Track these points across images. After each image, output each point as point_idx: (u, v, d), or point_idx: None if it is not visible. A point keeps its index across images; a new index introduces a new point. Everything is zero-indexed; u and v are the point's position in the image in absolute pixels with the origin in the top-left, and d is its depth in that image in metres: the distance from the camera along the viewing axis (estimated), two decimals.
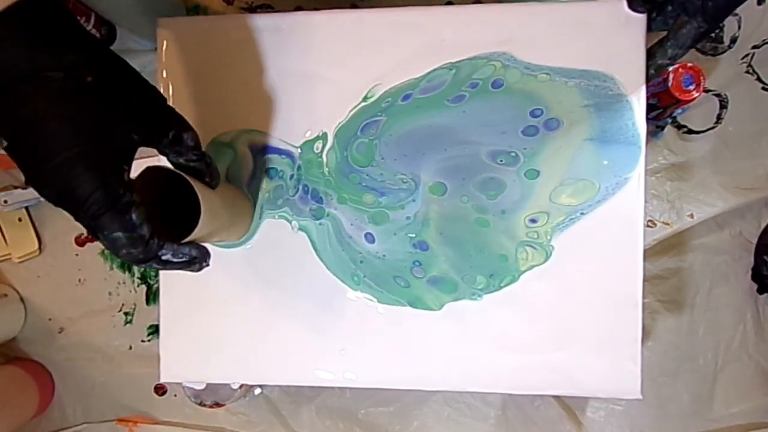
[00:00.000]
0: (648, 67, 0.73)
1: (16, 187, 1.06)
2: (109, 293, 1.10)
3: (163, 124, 0.58)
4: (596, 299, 0.75)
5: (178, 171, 0.61)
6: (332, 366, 0.80)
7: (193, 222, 0.60)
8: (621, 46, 0.73)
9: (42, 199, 1.02)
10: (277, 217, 0.80)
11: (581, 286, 0.75)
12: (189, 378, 0.85)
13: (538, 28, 0.75)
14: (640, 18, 0.73)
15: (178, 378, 0.84)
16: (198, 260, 0.62)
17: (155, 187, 0.60)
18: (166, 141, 0.58)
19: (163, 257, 0.57)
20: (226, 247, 0.80)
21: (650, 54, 0.72)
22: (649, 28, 0.73)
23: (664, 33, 0.69)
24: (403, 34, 0.78)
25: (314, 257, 0.80)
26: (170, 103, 0.79)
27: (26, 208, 1.09)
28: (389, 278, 0.78)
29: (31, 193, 1.05)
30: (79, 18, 0.90)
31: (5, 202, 1.05)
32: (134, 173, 0.56)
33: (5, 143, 0.51)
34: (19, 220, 1.09)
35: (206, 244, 0.64)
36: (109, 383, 1.11)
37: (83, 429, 1.11)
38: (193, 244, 0.61)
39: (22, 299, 1.11)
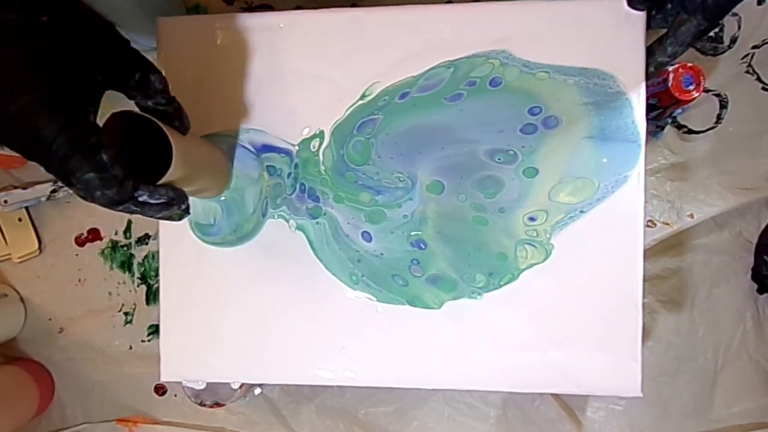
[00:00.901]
0: (648, 65, 0.73)
1: (16, 187, 1.06)
2: (109, 293, 1.10)
3: (128, 66, 0.57)
4: (597, 297, 0.75)
5: (146, 115, 0.60)
6: (332, 365, 0.80)
7: (165, 165, 0.59)
8: (620, 43, 0.74)
9: (42, 199, 1.03)
10: (276, 216, 0.80)
11: (581, 284, 0.75)
12: (189, 377, 0.85)
13: (537, 25, 0.75)
14: (640, 15, 0.73)
15: (179, 377, 0.84)
16: (176, 202, 0.61)
17: (124, 131, 0.59)
18: (133, 83, 0.57)
19: (140, 198, 0.57)
20: (223, 245, 0.81)
21: (650, 52, 0.72)
22: (649, 26, 0.73)
23: (664, 31, 0.69)
24: (402, 32, 0.78)
25: (312, 256, 0.80)
26: None
27: (26, 208, 1.09)
28: (387, 277, 0.78)
29: (31, 193, 1.05)
30: None
31: (5, 202, 1.05)
32: None
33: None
34: (19, 220, 1.09)
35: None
36: (109, 383, 1.11)
37: (83, 429, 1.11)
38: (169, 185, 0.60)
39: (22, 299, 1.11)
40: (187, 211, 0.64)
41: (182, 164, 0.61)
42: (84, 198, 0.53)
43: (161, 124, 0.59)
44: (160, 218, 0.62)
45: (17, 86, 0.48)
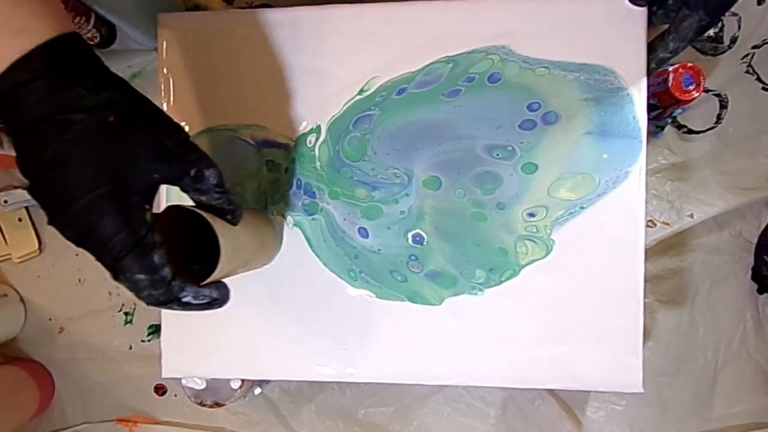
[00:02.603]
0: (649, 61, 0.73)
1: (16, 187, 1.06)
2: (109, 293, 1.10)
3: (184, 162, 0.57)
4: (598, 293, 0.75)
5: (198, 210, 0.61)
6: (333, 361, 0.80)
7: (214, 262, 0.60)
8: (622, 39, 0.74)
9: None
10: (275, 213, 0.81)
11: (583, 280, 0.75)
12: (191, 373, 0.86)
13: (538, 21, 0.75)
14: (641, 11, 0.73)
15: (180, 374, 0.84)
16: (219, 302, 0.61)
17: (176, 225, 0.60)
18: (188, 179, 0.57)
19: (184, 299, 0.57)
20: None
21: (651, 48, 0.72)
22: (650, 22, 0.73)
23: (665, 26, 0.69)
24: (402, 28, 0.78)
25: (310, 253, 0.80)
26: (171, 99, 0.82)
27: (26, 208, 1.09)
28: (386, 273, 0.79)
29: None
30: (79, 18, 0.90)
31: (5, 202, 1.05)
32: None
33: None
34: (19, 220, 1.09)
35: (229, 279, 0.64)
36: (109, 383, 1.10)
37: (83, 429, 1.10)
38: (214, 284, 0.60)
39: (22, 299, 1.11)
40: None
41: (230, 260, 0.62)
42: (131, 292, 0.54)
43: (212, 221, 0.60)
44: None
45: (79, 186, 0.50)
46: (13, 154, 0.91)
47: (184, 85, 0.82)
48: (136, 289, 0.53)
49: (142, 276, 0.52)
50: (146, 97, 0.56)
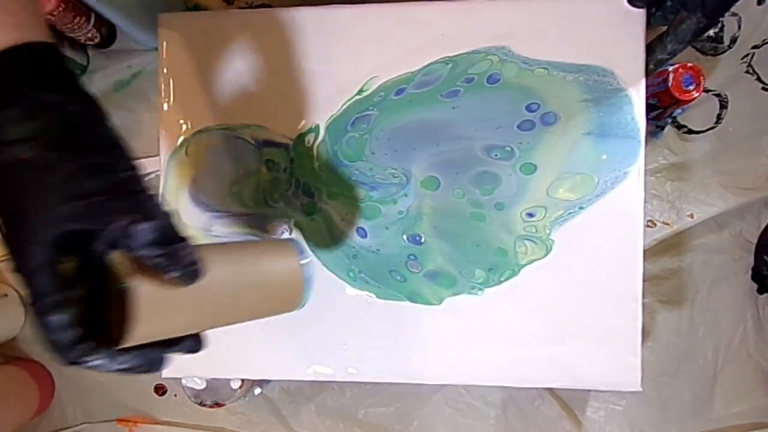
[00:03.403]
0: (648, 62, 0.73)
1: None
2: None
3: (106, 213, 0.47)
4: (597, 293, 0.76)
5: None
6: (334, 360, 0.80)
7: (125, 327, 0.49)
8: (621, 41, 0.74)
9: None
10: (273, 215, 0.81)
11: (582, 280, 0.76)
12: (191, 373, 0.86)
13: (537, 22, 0.76)
14: (640, 13, 0.73)
15: (180, 373, 0.85)
16: (143, 368, 0.51)
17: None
18: (109, 232, 0.47)
19: (91, 363, 0.48)
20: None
21: (650, 49, 0.73)
22: (649, 23, 0.73)
23: (664, 28, 0.69)
24: (403, 29, 0.78)
25: (309, 253, 0.80)
26: (171, 99, 0.82)
27: None
28: (385, 273, 0.79)
29: None
30: (79, 18, 0.90)
31: None
32: None
33: None
34: None
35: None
36: (109, 383, 1.10)
37: (83, 429, 1.10)
38: (135, 351, 0.50)
39: (22, 299, 1.11)
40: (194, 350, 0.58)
41: (158, 320, 0.52)
42: None
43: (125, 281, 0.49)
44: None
45: None
46: None
47: (184, 84, 0.82)
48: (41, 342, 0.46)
49: (41, 333, 0.46)
50: (98, 123, 0.49)
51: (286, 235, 0.81)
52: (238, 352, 0.82)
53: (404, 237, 0.79)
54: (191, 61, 0.82)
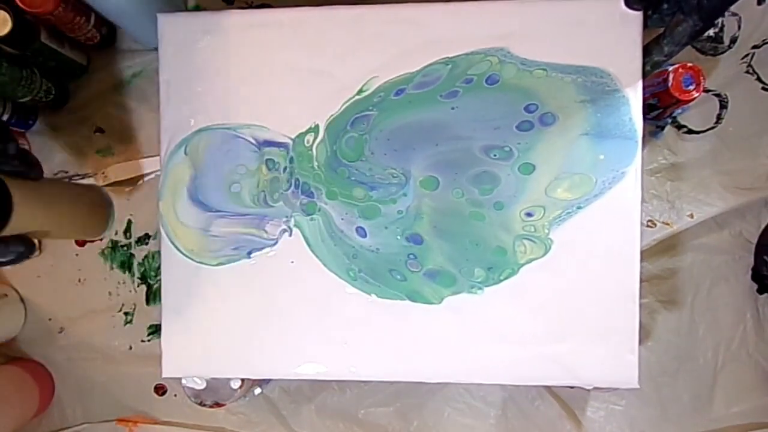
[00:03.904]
0: (644, 64, 0.74)
1: None
2: (109, 293, 1.10)
3: None
4: (595, 291, 0.76)
5: None
6: (334, 360, 0.81)
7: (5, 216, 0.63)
8: (618, 42, 0.74)
9: None
10: (272, 217, 0.82)
11: (580, 278, 0.76)
12: (191, 373, 0.86)
13: (536, 24, 0.76)
14: (637, 15, 0.74)
15: (181, 373, 0.85)
16: (25, 255, 0.66)
17: None
18: None
19: None
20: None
21: (647, 51, 0.73)
22: (646, 25, 0.73)
23: (660, 30, 0.70)
24: (402, 30, 0.79)
25: (309, 253, 0.81)
26: (171, 99, 0.83)
27: None
28: (385, 272, 0.79)
29: None
30: (79, 18, 0.90)
31: None
32: None
33: None
34: None
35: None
36: (109, 383, 1.10)
37: (83, 429, 1.10)
38: (17, 239, 0.65)
39: (22, 299, 1.11)
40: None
41: (31, 216, 0.68)
42: None
43: (8, 180, 0.64)
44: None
45: None
46: None
47: (184, 84, 0.82)
48: None
49: None
50: None
51: (286, 236, 0.82)
52: (238, 352, 0.83)
53: (404, 236, 0.79)
54: (191, 60, 0.82)
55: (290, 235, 0.82)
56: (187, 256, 0.84)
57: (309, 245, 0.81)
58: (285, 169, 0.81)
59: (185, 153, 0.83)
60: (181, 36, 0.83)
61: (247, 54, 0.82)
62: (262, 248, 0.83)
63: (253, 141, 0.81)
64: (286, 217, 0.81)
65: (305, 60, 0.81)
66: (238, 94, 0.82)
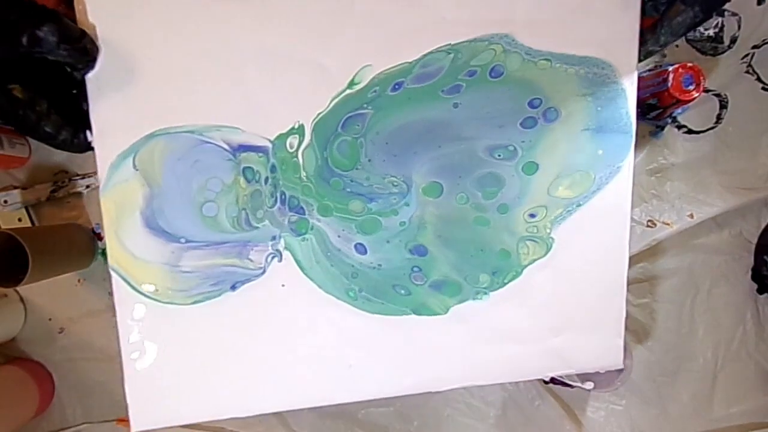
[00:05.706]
0: (638, 53, 0.73)
1: (16, 187, 1.06)
2: (109, 293, 1.07)
3: (6, 32, 0.51)
4: (590, 284, 0.77)
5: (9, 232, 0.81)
6: (340, 383, 0.76)
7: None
8: (617, 31, 0.73)
9: (42, 199, 1.03)
10: (257, 242, 0.73)
11: (579, 274, 0.77)
12: (173, 423, 0.75)
13: (539, 8, 0.72)
14: (636, 2, 0.72)
15: (157, 424, 0.74)
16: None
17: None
18: (23, 49, 0.52)
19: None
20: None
21: (641, 41, 0.72)
22: (642, 14, 0.73)
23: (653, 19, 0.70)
24: (399, 9, 0.70)
25: (303, 278, 0.73)
26: (100, 88, 0.69)
27: (26, 208, 1.09)
28: (388, 288, 0.74)
29: (31, 193, 1.05)
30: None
31: (5, 202, 1.05)
32: None
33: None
34: (19, 220, 1.09)
35: None
36: (109, 383, 1.10)
37: (83, 429, 1.10)
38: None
39: (22, 299, 1.11)
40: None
41: (41, 266, 0.86)
42: None
43: (21, 239, 0.82)
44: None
45: None
46: (13, 154, 0.92)
47: (130, 74, 0.69)
48: None
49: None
50: None
51: (275, 262, 0.73)
52: (227, 391, 0.75)
53: (407, 249, 0.74)
54: (140, 44, 0.68)
55: (280, 260, 0.73)
56: (151, 298, 0.72)
57: (302, 269, 0.73)
58: (267, 180, 0.72)
59: (134, 166, 0.70)
60: (143, 17, 0.68)
61: (214, 39, 0.69)
62: (247, 280, 0.73)
63: (226, 146, 0.71)
64: (274, 238, 0.73)
65: (285, 46, 0.70)
66: (208, 88, 0.70)
